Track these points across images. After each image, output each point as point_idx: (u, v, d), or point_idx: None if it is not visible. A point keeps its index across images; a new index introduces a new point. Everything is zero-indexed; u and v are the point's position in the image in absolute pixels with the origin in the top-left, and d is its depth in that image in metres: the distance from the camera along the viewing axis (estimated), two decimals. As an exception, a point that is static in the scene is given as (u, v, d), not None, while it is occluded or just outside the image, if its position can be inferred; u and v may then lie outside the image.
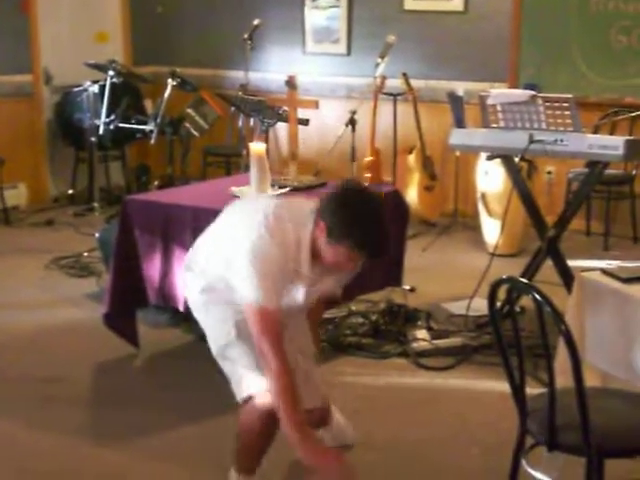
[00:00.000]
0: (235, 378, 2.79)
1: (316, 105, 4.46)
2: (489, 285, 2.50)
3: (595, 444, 2.31)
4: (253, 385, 2.71)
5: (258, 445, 2.81)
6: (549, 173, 6.54)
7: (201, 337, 4.38)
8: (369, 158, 6.45)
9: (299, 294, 2.71)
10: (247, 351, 2.73)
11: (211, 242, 2.86)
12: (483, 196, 5.98)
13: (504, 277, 2.46)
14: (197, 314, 2.94)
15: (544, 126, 4.12)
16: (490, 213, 5.92)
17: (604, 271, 2.87)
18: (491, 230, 5.84)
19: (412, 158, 6.56)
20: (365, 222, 2.54)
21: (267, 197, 2.98)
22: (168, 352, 4.32)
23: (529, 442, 2.60)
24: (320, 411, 3.03)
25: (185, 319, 4.57)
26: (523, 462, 2.56)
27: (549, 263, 4.46)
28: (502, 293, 2.55)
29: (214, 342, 2.85)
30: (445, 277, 5.43)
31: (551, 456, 2.80)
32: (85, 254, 5.72)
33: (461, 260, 5.80)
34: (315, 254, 2.62)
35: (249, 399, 2.74)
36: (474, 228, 6.31)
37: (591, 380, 2.75)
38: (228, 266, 2.67)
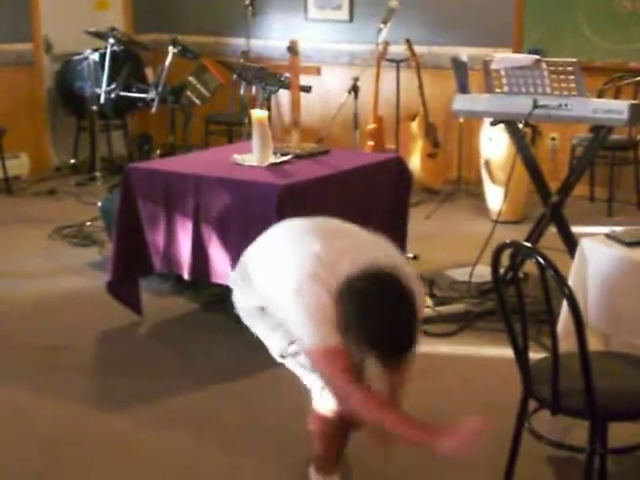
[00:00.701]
0: (306, 376, 2.65)
1: (318, 71, 4.43)
2: (492, 250, 2.49)
3: (598, 407, 2.31)
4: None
5: (334, 446, 2.71)
6: (553, 139, 6.50)
7: (205, 306, 4.43)
8: (372, 125, 6.43)
9: None
10: None
11: (260, 270, 2.67)
12: (487, 163, 5.95)
13: (507, 241, 2.45)
14: (250, 320, 2.77)
15: (548, 91, 4.09)
16: (494, 180, 5.89)
17: (608, 235, 2.86)
18: (494, 197, 5.81)
19: (415, 125, 6.52)
20: (379, 320, 2.29)
21: (313, 237, 2.58)
22: (172, 320, 4.33)
23: (532, 406, 2.61)
24: None
25: (188, 287, 4.58)
26: (527, 426, 2.56)
27: (553, 230, 4.44)
28: (506, 260, 2.54)
29: (275, 344, 2.71)
30: (448, 244, 5.42)
31: (555, 420, 2.82)
32: (88, 223, 5.72)
33: (464, 227, 5.78)
34: None
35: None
36: (477, 195, 6.29)
37: (594, 344, 2.75)
38: (283, 310, 2.53)
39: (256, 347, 4.01)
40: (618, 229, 3.02)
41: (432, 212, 6.06)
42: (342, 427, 2.64)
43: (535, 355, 2.68)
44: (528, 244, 2.49)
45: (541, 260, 2.30)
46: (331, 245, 2.54)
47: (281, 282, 2.51)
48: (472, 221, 5.92)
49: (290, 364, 2.70)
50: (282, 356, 2.71)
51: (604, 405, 2.33)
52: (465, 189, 6.63)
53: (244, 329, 4.22)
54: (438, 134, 6.60)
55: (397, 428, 2.37)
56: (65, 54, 7.26)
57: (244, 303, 2.77)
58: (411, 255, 4.89)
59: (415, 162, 6.47)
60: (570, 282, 2.75)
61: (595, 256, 2.81)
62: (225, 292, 4.42)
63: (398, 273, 2.38)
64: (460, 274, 4.71)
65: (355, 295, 2.34)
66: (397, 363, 2.41)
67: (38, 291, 4.70)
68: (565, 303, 2.59)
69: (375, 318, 2.30)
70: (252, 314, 2.75)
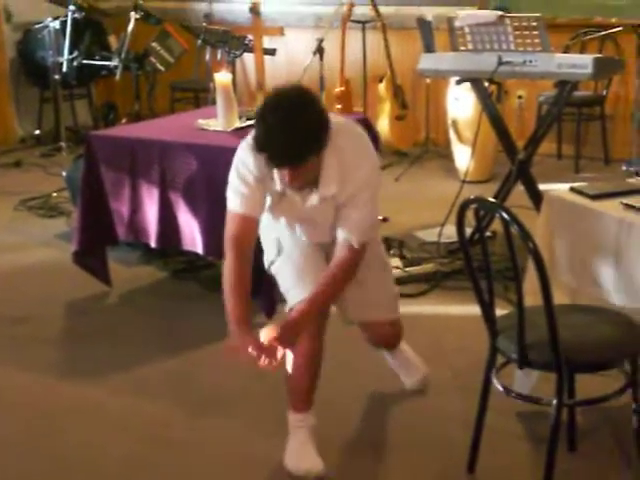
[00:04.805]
0: (282, 290, 2.81)
1: (281, 32, 4.38)
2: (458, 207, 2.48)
3: (565, 359, 2.32)
4: (294, 297, 2.70)
5: (311, 365, 2.73)
6: (520, 97, 6.49)
7: (174, 273, 4.40)
8: (339, 88, 6.39)
9: (299, 208, 2.67)
10: (288, 265, 2.77)
11: None
12: (454, 123, 5.94)
13: (472, 197, 2.44)
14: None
15: (513, 47, 4.07)
16: (461, 140, 5.88)
17: (572, 189, 2.86)
18: (463, 157, 5.81)
19: (382, 87, 6.48)
20: (261, 127, 2.44)
21: None
22: (141, 289, 4.30)
23: (501, 361, 2.62)
24: (382, 327, 3.00)
25: (157, 256, 4.55)
26: (494, 381, 2.57)
27: (521, 188, 4.45)
28: (473, 220, 2.52)
29: (265, 259, 2.88)
30: (418, 206, 5.41)
31: (524, 375, 2.83)
32: (54, 194, 5.66)
33: (433, 188, 5.78)
34: None
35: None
36: (446, 156, 6.28)
37: (561, 299, 2.76)
38: None
39: (225, 315, 4.01)
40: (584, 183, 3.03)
41: (401, 174, 6.05)
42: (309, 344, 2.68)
43: (503, 312, 2.69)
44: (492, 199, 2.48)
45: (505, 215, 2.29)
46: None
47: None
48: (441, 182, 5.92)
49: (274, 278, 2.86)
50: (269, 269, 2.86)
51: (570, 357, 2.34)
52: (434, 150, 6.62)
53: (214, 295, 4.21)
54: (406, 96, 6.57)
55: (227, 301, 2.57)
56: (25, 23, 7.12)
57: None
58: (381, 217, 4.88)
59: (383, 125, 6.43)
60: (536, 236, 2.75)
61: (560, 210, 2.81)
62: (194, 259, 4.43)
63: (312, 95, 2.48)
64: (429, 235, 4.72)
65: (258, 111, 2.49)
66: (283, 168, 2.50)
67: (5, 263, 4.65)
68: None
69: (262, 127, 2.43)
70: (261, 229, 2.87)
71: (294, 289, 2.72)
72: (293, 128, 2.39)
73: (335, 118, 2.60)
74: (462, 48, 4.23)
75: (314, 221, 2.72)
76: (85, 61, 6.10)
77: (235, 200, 2.61)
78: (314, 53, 5.63)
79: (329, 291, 2.62)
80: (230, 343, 2.55)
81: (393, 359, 3.21)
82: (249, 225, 2.61)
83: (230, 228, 2.62)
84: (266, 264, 2.87)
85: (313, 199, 2.62)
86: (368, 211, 2.63)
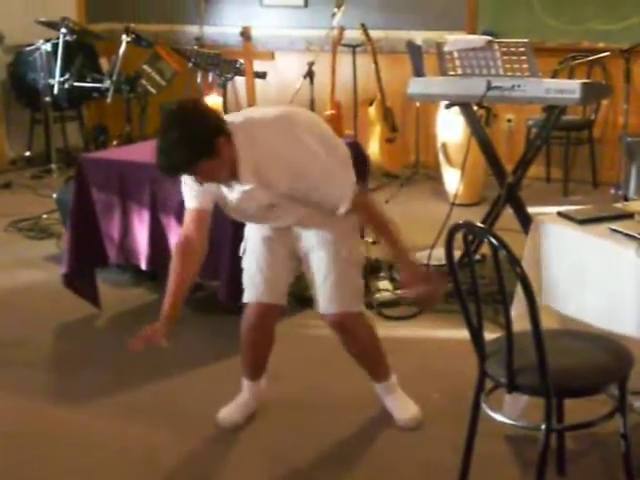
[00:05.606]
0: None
1: (272, 56, 4.41)
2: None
3: (553, 384, 2.33)
4: (246, 296, 3.09)
5: (251, 351, 3.15)
6: (509, 121, 6.54)
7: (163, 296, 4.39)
8: (330, 111, 6.42)
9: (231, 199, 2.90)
10: (250, 263, 3.07)
11: None
12: (444, 146, 5.97)
13: (460, 222, 2.45)
14: None
15: (501, 72, 4.10)
16: (451, 163, 5.91)
17: (560, 213, 2.88)
18: (452, 180, 5.83)
19: (373, 110, 6.52)
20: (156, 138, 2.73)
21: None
22: (130, 311, 4.29)
23: (490, 385, 2.62)
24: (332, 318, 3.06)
25: (147, 278, 4.54)
26: (483, 405, 2.57)
27: (510, 211, 4.47)
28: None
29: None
30: (407, 228, 5.33)
31: (513, 399, 2.84)
32: (44, 216, 5.65)
33: (423, 211, 5.80)
34: None
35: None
36: (436, 179, 6.31)
37: (550, 322, 2.77)
38: None
39: (213, 338, 4.01)
40: (574, 208, 3.04)
41: (391, 196, 6.07)
42: (256, 336, 3.10)
43: (493, 335, 2.69)
44: (481, 224, 2.50)
45: (493, 240, 2.31)
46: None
47: None
48: (431, 204, 5.94)
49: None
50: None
51: (558, 382, 2.34)
52: (424, 173, 6.65)
53: (203, 318, 4.22)
54: (396, 119, 6.61)
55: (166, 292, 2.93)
56: (17, 45, 7.14)
57: None
58: (370, 240, 4.89)
59: (374, 147, 6.47)
60: (524, 261, 2.77)
61: (548, 234, 2.83)
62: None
63: (189, 111, 2.70)
64: (419, 257, 4.71)
65: None
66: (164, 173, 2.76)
67: (-6, 286, 4.64)
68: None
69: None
70: None
71: (246, 289, 3.08)
72: (166, 147, 2.66)
73: (264, 114, 2.86)
74: (451, 73, 4.25)
75: (258, 212, 2.91)
76: (76, 83, 6.12)
77: (186, 198, 2.91)
78: (305, 76, 5.66)
79: (385, 229, 3.13)
80: (143, 332, 2.89)
81: (387, 395, 3.20)
82: (200, 216, 2.88)
83: (184, 224, 2.92)
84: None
85: (235, 192, 2.84)
86: (326, 188, 2.85)
